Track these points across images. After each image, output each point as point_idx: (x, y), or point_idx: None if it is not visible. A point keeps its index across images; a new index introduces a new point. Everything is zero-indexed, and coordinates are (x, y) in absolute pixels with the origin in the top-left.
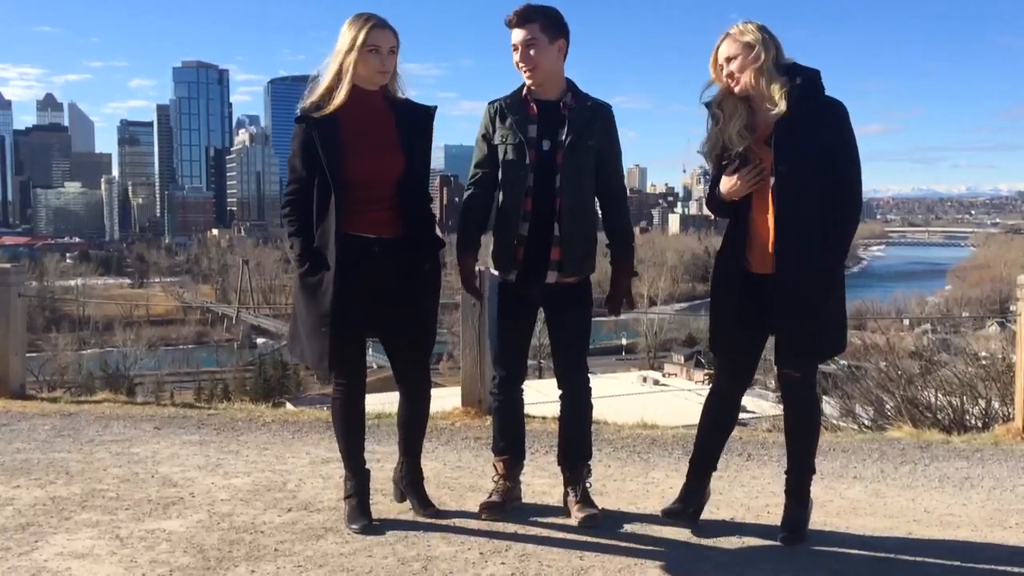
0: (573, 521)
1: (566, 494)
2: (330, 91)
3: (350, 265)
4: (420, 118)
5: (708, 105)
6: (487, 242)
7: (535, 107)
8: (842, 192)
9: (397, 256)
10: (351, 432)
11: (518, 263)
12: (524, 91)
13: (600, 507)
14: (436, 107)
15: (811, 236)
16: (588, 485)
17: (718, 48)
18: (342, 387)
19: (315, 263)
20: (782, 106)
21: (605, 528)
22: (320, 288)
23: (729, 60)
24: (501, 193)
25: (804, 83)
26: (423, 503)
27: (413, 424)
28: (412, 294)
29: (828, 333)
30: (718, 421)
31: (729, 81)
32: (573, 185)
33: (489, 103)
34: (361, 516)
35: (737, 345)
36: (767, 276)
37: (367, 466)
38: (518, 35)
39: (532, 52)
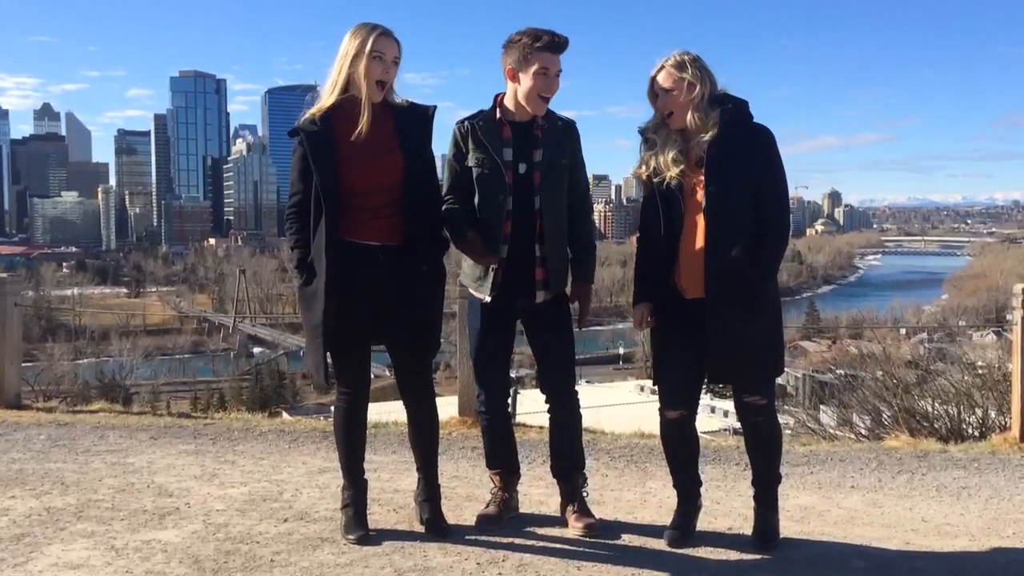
0: (571, 531)
1: (563, 504)
2: (338, 96)
3: (351, 274)
4: (418, 119)
5: (643, 131)
6: (461, 263)
7: (509, 129)
8: (770, 213)
9: (402, 262)
10: (352, 441)
11: (496, 285)
12: (498, 113)
13: (597, 517)
14: (435, 107)
15: (742, 255)
16: (585, 494)
17: (655, 77)
18: (345, 395)
19: (310, 275)
20: (713, 130)
21: (603, 538)
22: (315, 299)
23: (667, 91)
24: (480, 217)
25: (734, 109)
26: (436, 519)
27: (422, 438)
28: (412, 299)
29: (760, 354)
30: (680, 447)
31: (664, 112)
32: (552, 205)
33: (458, 123)
34: (358, 527)
35: (678, 372)
36: (700, 300)
37: (364, 476)
38: (557, 63)
39: (558, 79)
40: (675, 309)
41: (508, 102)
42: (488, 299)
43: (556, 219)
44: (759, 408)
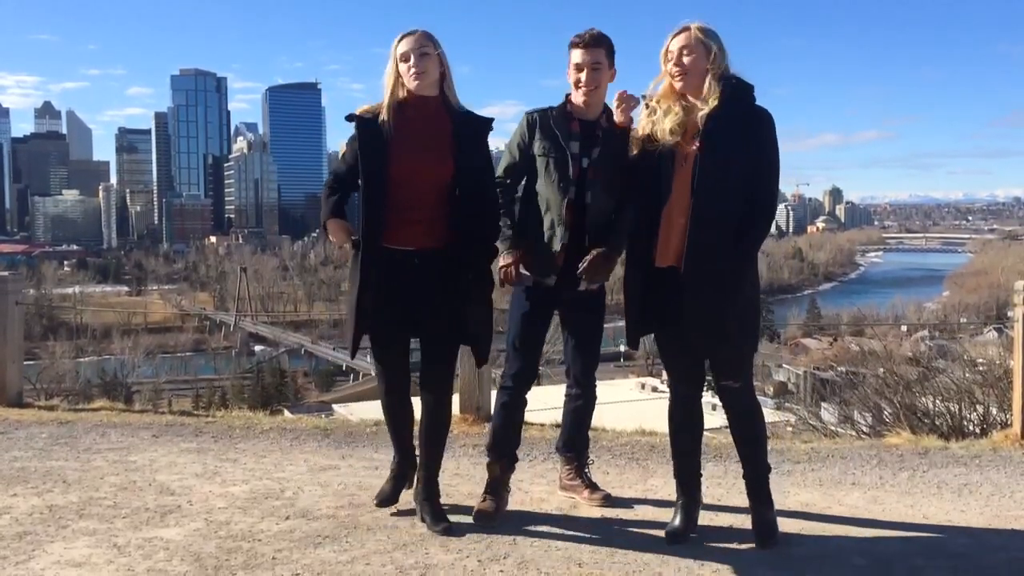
0: (588, 507)
1: (566, 477)
2: (388, 97)
3: (384, 277)
4: (475, 128)
5: (645, 97)
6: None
7: (578, 124)
8: (760, 196)
9: (438, 267)
10: (392, 421)
11: (557, 268)
12: (568, 108)
13: (600, 514)
14: (493, 119)
15: (724, 231)
16: (588, 467)
17: (673, 38)
18: (382, 382)
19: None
20: (714, 103)
21: (603, 536)
22: (355, 277)
23: (684, 51)
24: (543, 203)
25: (737, 86)
26: (436, 518)
27: (430, 436)
28: (451, 301)
29: (735, 328)
30: (684, 429)
31: (676, 71)
32: (602, 203)
33: (528, 113)
34: (386, 494)
35: (673, 340)
36: (672, 269)
37: (414, 451)
38: (586, 56)
39: (597, 74)
40: (654, 281)
41: (573, 99)
42: (541, 283)
43: (604, 216)
44: (734, 388)
